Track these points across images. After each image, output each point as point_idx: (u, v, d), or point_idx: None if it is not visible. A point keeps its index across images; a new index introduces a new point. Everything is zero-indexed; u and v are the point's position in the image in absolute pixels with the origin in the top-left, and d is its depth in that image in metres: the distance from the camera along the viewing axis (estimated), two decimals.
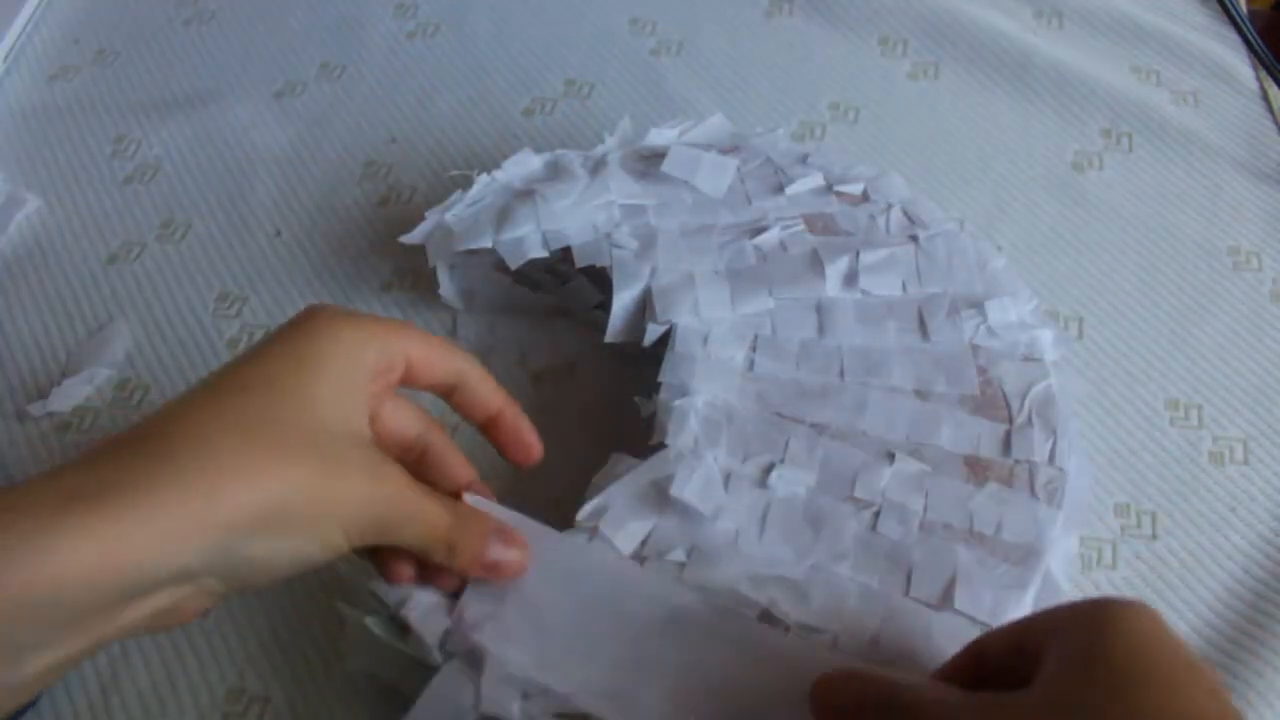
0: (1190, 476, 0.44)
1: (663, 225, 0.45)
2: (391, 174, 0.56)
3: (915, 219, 0.46)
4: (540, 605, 0.34)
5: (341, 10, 0.65)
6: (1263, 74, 0.60)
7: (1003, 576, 0.36)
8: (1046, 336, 0.43)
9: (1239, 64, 0.60)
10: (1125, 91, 0.58)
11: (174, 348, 0.49)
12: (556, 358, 0.48)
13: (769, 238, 0.44)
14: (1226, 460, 0.45)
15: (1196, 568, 0.42)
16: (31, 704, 0.38)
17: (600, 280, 0.46)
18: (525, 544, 0.34)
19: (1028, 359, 0.42)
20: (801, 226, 0.45)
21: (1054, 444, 0.39)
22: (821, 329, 0.42)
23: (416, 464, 0.35)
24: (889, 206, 0.46)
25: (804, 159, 0.48)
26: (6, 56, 0.62)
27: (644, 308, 0.43)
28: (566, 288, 0.48)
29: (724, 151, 0.48)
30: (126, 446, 0.27)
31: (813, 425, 0.40)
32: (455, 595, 0.34)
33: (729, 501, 0.37)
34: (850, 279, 0.43)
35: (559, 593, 0.35)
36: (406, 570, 0.34)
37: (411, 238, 0.46)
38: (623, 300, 0.43)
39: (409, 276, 0.51)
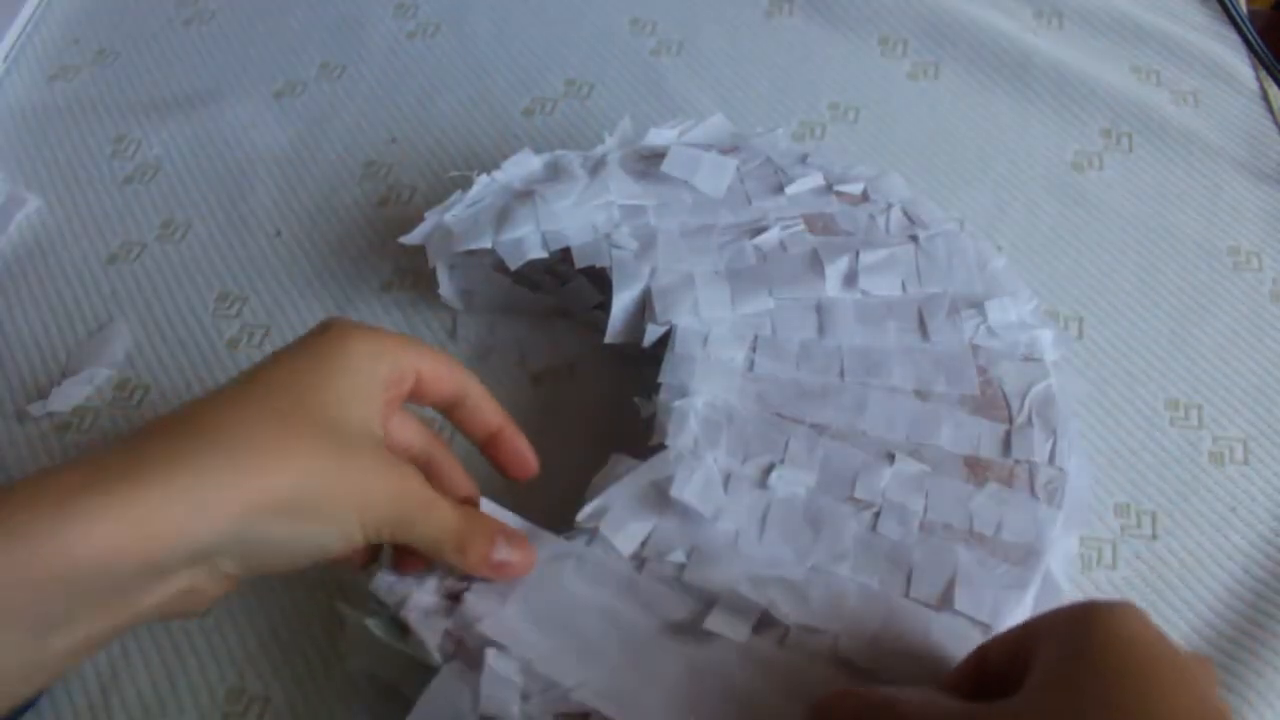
0: (1190, 476, 0.44)
1: (662, 225, 0.45)
2: (391, 174, 0.56)
3: (915, 219, 0.46)
4: (541, 607, 0.34)
5: (341, 10, 0.65)
6: (1263, 74, 0.60)
7: (1003, 577, 0.36)
8: (1046, 336, 0.42)
9: (1239, 64, 0.60)
10: (1125, 91, 0.58)
11: (174, 348, 0.49)
12: (556, 358, 0.48)
13: (769, 238, 0.44)
14: (1226, 460, 0.45)
15: (1196, 568, 0.42)
16: (31, 704, 0.38)
17: (600, 281, 0.46)
18: (530, 546, 0.35)
19: (1028, 359, 0.42)
20: (801, 226, 0.45)
21: (1054, 444, 0.39)
22: (821, 329, 0.42)
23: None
24: (889, 206, 0.46)
25: (804, 159, 0.48)
26: (6, 56, 0.62)
27: (644, 308, 0.43)
28: (566, 288, 0.48)
29: (724, 151, 0.48)
30: (149, 434, 0.28)
31: (813, 425, 0.40)
32: (455, 597, 0.34)
33: (729, 502, 0.37)
34: (850, 279, 0.43)
35: (559, 595, 0.35)
36: (418, 561, 0.35)
37: (411, 238, 0.46)
38: (622, 301, 0.42)
39: (409, 276, 0.51)
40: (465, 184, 0.46)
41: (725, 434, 0.39)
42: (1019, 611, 0.35)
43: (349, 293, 0.51)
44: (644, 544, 0.36)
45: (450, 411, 0.36)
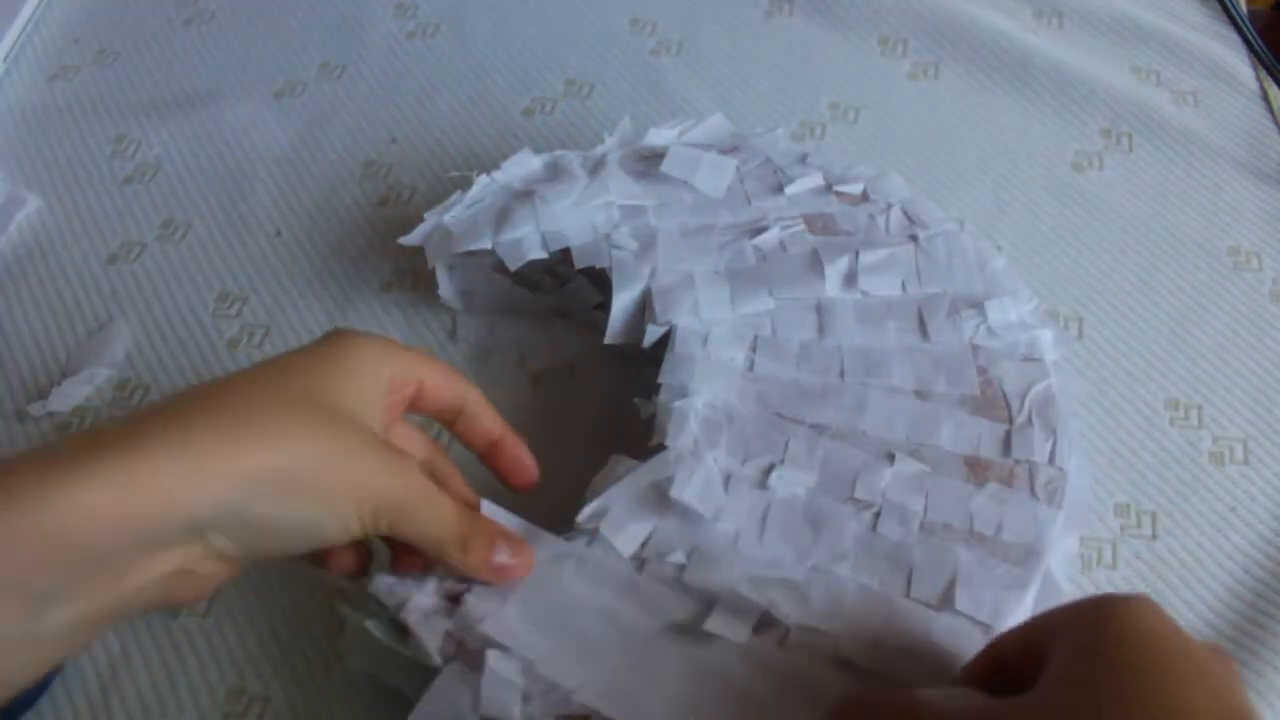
0: (1190, 476, 0.44)
1: (662, 226, 0.45)
2: (391, 174, 0.56)
3: (915, 219, 0.46)
4: (541, 608, 0.34)
5: (341, 10, 0.65)
6: (1263, 74, 0.60)
7: (1003, 577, 0.36)
8: (1046, 336, 0.42)
9: (1239, 64, 0.60)
10: (1125, 91, 0.58)
11: (174, 348, 0.49)
12: (556, 359, 0.48)
13: (769, 238, 0.44)
14: (1226, 460, 0.45)
15: (1196, 568, 0.42)
16: (30, 703, 0.38)
17: (600, 281, 0.46)
18: (529, 550, 0.35)
19: (1028, 359, 0.42)
20: (801, 226, 0.45)
21: (1054, 444, 0.39)
22: (821, 329, 0.42)
23: None
24: (889, 206, 0.46)
25: (804, 159, 0.48)
26: (6, 56, 0.62)
27: (644, 309, 0.43)
28: (566, 289, 0.48)
29: (724, 151, 0.48)
30: (148, 411, 0.28)
31: (813, 426, 0.40)
32: (455, 599, 0.34)
33: (729, 503, 0.37)
34: (850, 279, 0.43)
35: (560, 596, 0.35)
36: (417, 561, 0.35)
37: (411, 239, 0.46)
38: (622, 301, 0.42)
39: (409, 277, 0.51)
40: (465, 184, 0.46)
41: (725, 434, 0.39)
42: (1019, 611, 0.35)
43: (349, 293, 0.51)
44: (644, 545, 0.36)
45: (450, 421, 0.36)
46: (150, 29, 0.65)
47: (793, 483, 0.38)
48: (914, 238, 0.45)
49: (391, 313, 0.50)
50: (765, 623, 0.34)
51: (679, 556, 0.36)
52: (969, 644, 0.34)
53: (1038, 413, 0.40)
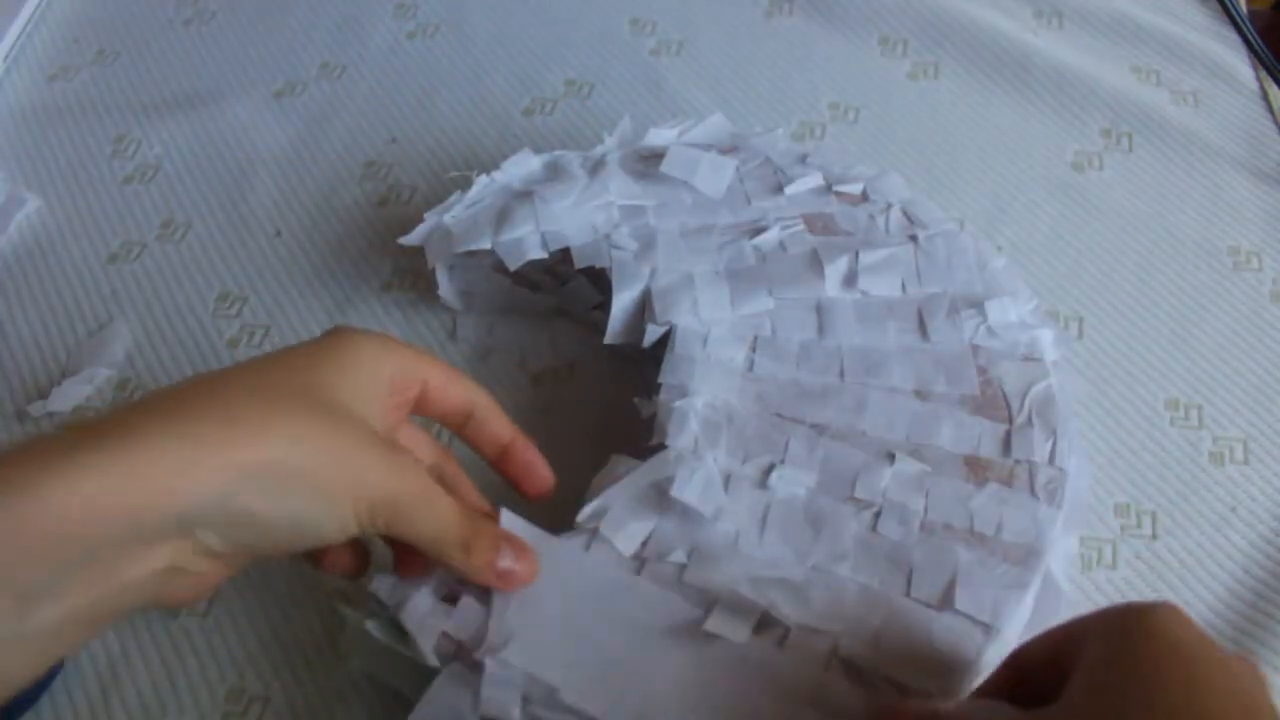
0: (1190, 476, 0.44)
1: (662, 226, 0.45)
2: (391, 174, 0.56)
3: (915, 219, 0.46)
4: (541, 608, 0.34)
5: (341, 10, 0.65)
6: (1263, 74, 0.60)
7: (1003, 577, 0.36)
8: (1046, 336, 0.42)
9: (1239, 64, 0.60)
10: (1125, 91, 0.58)
11: (174, 348, 0.49)
12: (556, 359, 0.48)
13: (768, 238, 0.44)
14: (1226, 460, 0.45)
15: (1196, 568, 0.42)
16: (31, 703, 0.38)
17: (600, 281, 0.46)
18: (535, 558, 0.34)
19: (1028, 359, 0.42)
20: (801, 226, 0.45)
21: (1054, 444, 0.39)
22: (821, 329, 0.42)
23: None
24: (889, 206, 0.46)
25: (803, 159, 0.48)
26: (6, 56, 0.62)
27: (643, 309, 0.43)
28: (566, 289, 0.48)
29: (723, 151, 0.48)
30: (141, 402, 0.28)
31: (813, 426, 0.40)
32: (454, 599, 0.34)
33: (729, 502, 0.37)
34: (850, 279, 0.43)
35: (560, 597, 0.35)
36: (420, 563, 0.34)
37: (410, 239, 0.46)
38: (622, 301, 0.42)
39: (408, 277, 0.51)
40: (465, 184, 0.46)
41: (725, 434, 0.39)
42: (1019, 611, 0.35)
43: (349, 293, 0.51)
44: (644, 544, 0.36)
45: (459, 426, 0.36)
46: (150, 29, 0.65)
47: (793, 483, 0.38)
48: (914, 238, 0.45)
49: (391, 313, 0.50)
50: (765, 623, 0.34)
51: (679, 556, 0.36)
52: (969, 644, 0.34)
53: (1038, 413, 0.40)
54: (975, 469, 0.38)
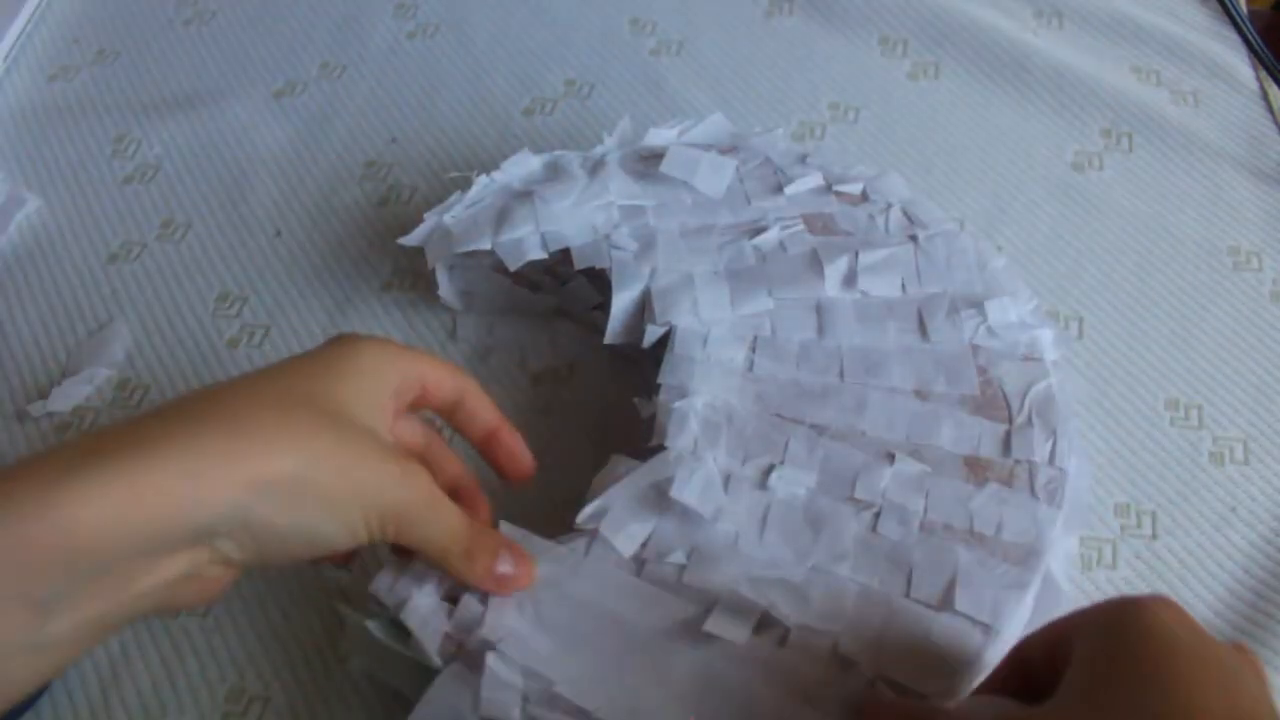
0: (1190, 476, 0.44)
1: (662, 226, 0.45)
2: (391, 174, 0.56)
3: (915, 219, 0.46)
4: (541, 609, 0.34)
5: (341, 10, 0.65)
6: (1263, 74, 0.60)
7: (1003, 577, 0.36)
8: (1046, 336, 0.42)
9: (1239, 64, 0.60)
10: (1125, 91, 0.58)
11: (174, 348, 0.49)
12: (556, 359, 0.48)
13: (768, 238, 0.44)
14: (1226, 460, 0.45)
15: (1196, 568, 0.42)
16: (31, 704, 0.38)
17: (600, 281, 0.46)
18: (533, 562, 0.35)
19: (1028, 359, 0.42)
20: (801, 227, 0.45)
21: (1054, 444, 0.39)
22: (821, 329, 0.42)
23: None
24: (888, 206, 0.46)
25: (803, 159, 0.48)
26: (6, 56, 0.62)
27: (643, 309, 0.43)
28: (566, 289, 0.48)
29: (723, 151, 0.48)
30: (153, 413, 0.28)
31: (813, 426, 0.40)
32: (455, 599, 0.34)
33: (729, 503, 0.37)
34: (850, 279, 0.43)
35: (560, 597, 0.35)
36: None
37: (410, 239, 0.46)
38: (622, 301, 0.42)
39: (408, 277, 0.51)
40: (465, 184, 0.46)
41: (725, 435, 0.39)
42: (1019, 612, 0.35)
43: (349, 293, 0.51)
44: (644, 545, 0.36)
45: (450, 414, 0.37)
46: (150, 29, 0.65)
47: (793, 483, 0.38)
48: (914, 238, 0.45)
49: (391, 313, 0.50)
50: (765, 623, 0.34)
51: (679, 557, 0.36)
52: (969, 644, 0.34)
53: (1038, 413, 0.40)
54: (975, 469, 0.38)
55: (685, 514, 0.37)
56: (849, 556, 0.36)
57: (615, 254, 0.43)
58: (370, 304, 0.50)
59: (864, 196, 0.47)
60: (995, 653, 0.34)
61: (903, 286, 0.44)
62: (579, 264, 0.43)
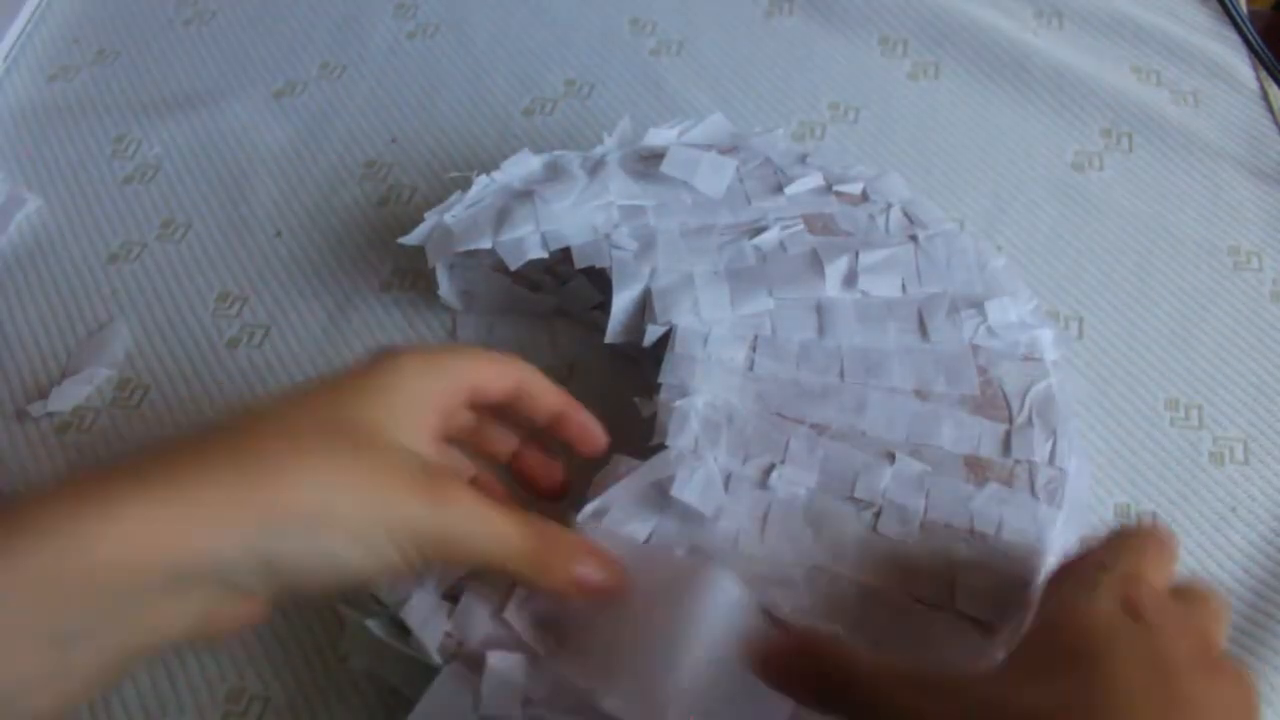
0: (1190, 476, 0.44)
1: (662, 226, 0.45)
2: (391, 174, 0.56)
3: (915, 219, 0.46)
4: (541, 608, 0.34)
5: (341, 10, 0.65)
6: (1263, 74, 0.60)
7: (1003, 577, 0.36)
8: (1046, 336, 0.42)
9: (1239, 64, 0.60)
10: (1125, 91, 0.58)
11: (174, 348, 0.49)
12: (556, 358, 0.48)
13: (768, 238, 0.44)
14: (1226, 460, 0.45)
15: (1196, 568, 0.42)
16: None
17: (600, 281, 0.46)
18: (619, 566, 0.33)
19: (1028, 359, 0.42)
20: (801, 226, 0.45)
21: (1054, 444, 0.39)
22: (821, 329, 0.42)
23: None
24: (888, 206, 0.46)
25: (803, 159, 0.48)
26: (6, 56, 0.62)
27: (643, 308, 0.43)
28: (566, 288, 0.48)
29: (723, 151, 0.48)
30: (175, 443, 0.28)
31: (813, 426, 0.40)
32: (455, 598, 0.34)
33: (729, 502, 0.37)
34: (850, 279, 0.43)
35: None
36: None
37: (410, 239, 0.46)
38: (622, 301, 0.42)
39: (408, 276, 0.51)
40: (465, 184, 0.46)
41: (725, 434, 0.39)
42: (1019, 612, 0.35)
43: (349, 293, 0.51)
44: (645, 544, 0.36)
45: (511, 406, 0.36)
46: (150, 29, 0.65)
47: (793, 482, 0.38)
48: (914, 238, 0.45)
49: (391, 313, 0.50)
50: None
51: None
52: (969, 644, 0.34)
53: (1038, 413, 0.40)
54: (975, 469, 0.39)
55: (686, 513, 0.37)
56: (849, 556, 0.36)
57: (615, 254, 0.43)
58: (370, 304, 0.50)
59: (864, 196, 0.47)
60: (994, 652, 0.34)
61: (903, 286, 0.44)
62: (579, 263, 0.43)
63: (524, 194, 0.45)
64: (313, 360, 0.48)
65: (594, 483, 0.38)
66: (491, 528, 0.31)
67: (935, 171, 0.55)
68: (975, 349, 0.42)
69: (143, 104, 0.60)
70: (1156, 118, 0.57)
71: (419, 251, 0.46)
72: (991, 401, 0.40)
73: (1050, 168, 0.55)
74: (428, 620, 0.33)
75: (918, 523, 0.37)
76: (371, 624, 0.34)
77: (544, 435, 0.37)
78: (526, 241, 0.43)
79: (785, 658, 0.30)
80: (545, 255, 0.43)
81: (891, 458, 0.39)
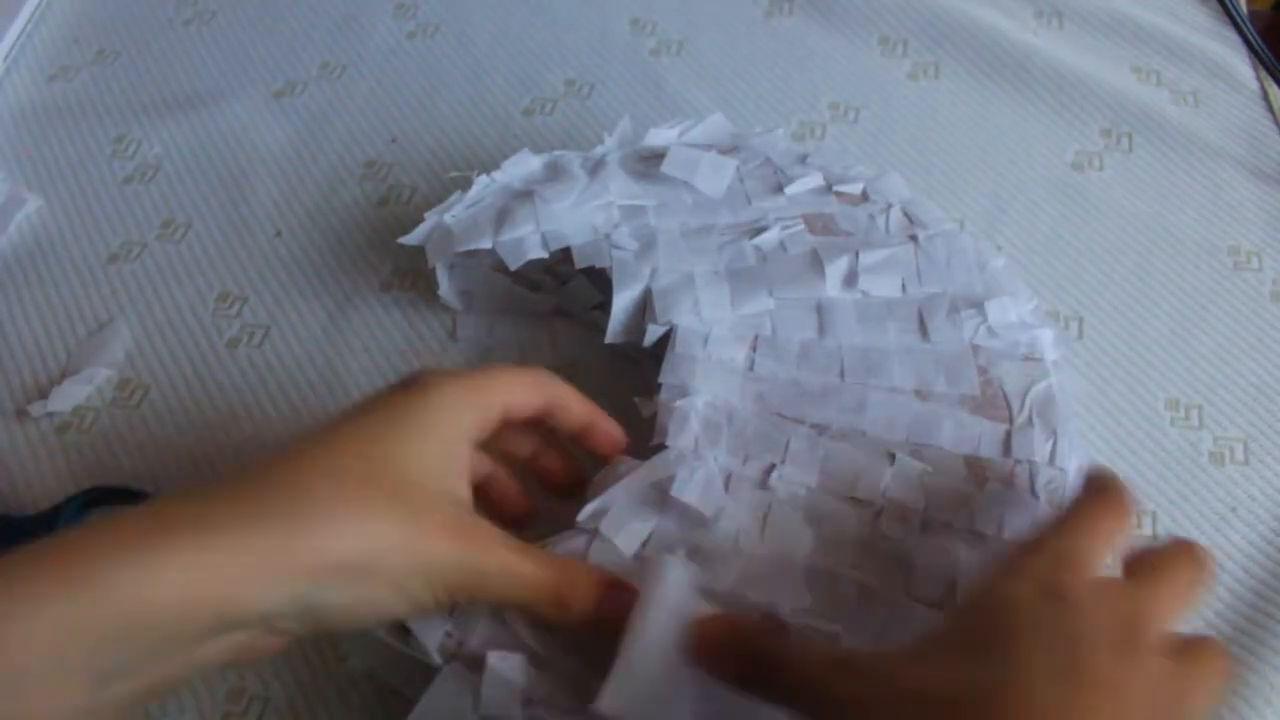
0: (1190, 476, 0.44)
1: (662, 226, 0.45)
2: (391, 174, 0.56)
3: (915, 219, 0.46)
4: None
5: (341, 10, 0.65)
6: (1263, 74, 0.60)
7: None
8: (1046, 336, 0.43)
9: (1239, 64, 0.60)
10: (1125, 91, 0.58)
11: (174, 348, 0.49)
12: (556, 358, 0.48)
13: (769, 238, 0.44)
14: (1226, 460, 0.45)
15: None
16: None
17: (600, 281, 0.46)
18: (631, 589, 0.33)
19: (1028, 359, 0.42)
20: (801, 227, 0.45)
21: (1054, 444, 0.39)
22: (821, 329, 0.42)
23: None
24: (889, 206, 0.46)
25: (804, 159, 0.48)
26: (6, 56, 0.62)
27: (644, 308, 0.43)
28: (566, 288, 0.48)
29: (723, 151, 0.48)
30: (216, 487, 0.28)
31: (813, 426, 0.40)
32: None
33: (730, 502, 0.37)
34: (850, 279, 0.43)
35: None
36: None
37: (411, 239, 0.46)
38: (622, 301, 0.42)
39: (408, 276, 0.51)
40: (465, 184, 0.46)
41: (726, 434, 0.39)
42: None
43: (349, 293, 0.51)
44: (644, 544, 0.36)
45: (541, 422, 0.36)
46: (150, 29, 0.65)
47: (793, 482, 0.38)
48: (914, 238, 0.45)
49: (391, 313, 0.50)
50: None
51: (679, 556, 0.36)
52: None
53: (1038, 413, 0.40)
54: (975, 469, 0.39)
55: (686, 513, 0.37)
56: (849, 556, 0.36)
57: (615, 254, 0.43)
58: (370, 304, 0.50)
59: (864, 196, 0.47)
60: None
61: (903, 286, 0.44)
62: (579, 263, 0.43)
63: (524, 194, 0.45)
64: (313, 360, 0.48)
65: (594, 483, 0.39)
66: (518, 574, 0.32)
67: (935, 171, 0.55)
68: (975, 349, 0.42)
69: (143, 104, 0.60)
70: (1156, 118, 0.57)
71: (419, 251, 0.46)
72: (992, 401, 0.40)
73: (1050, 168, 0.55)
74: (428, 620, 0.33)
75: (918, 523, 0.37)
76: None
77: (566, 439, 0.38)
78: (526, 241, 0.43)
79: (716, 640, 0.31)
80: (545, 255, 0.43)
81: (892, 458, 0.39)
